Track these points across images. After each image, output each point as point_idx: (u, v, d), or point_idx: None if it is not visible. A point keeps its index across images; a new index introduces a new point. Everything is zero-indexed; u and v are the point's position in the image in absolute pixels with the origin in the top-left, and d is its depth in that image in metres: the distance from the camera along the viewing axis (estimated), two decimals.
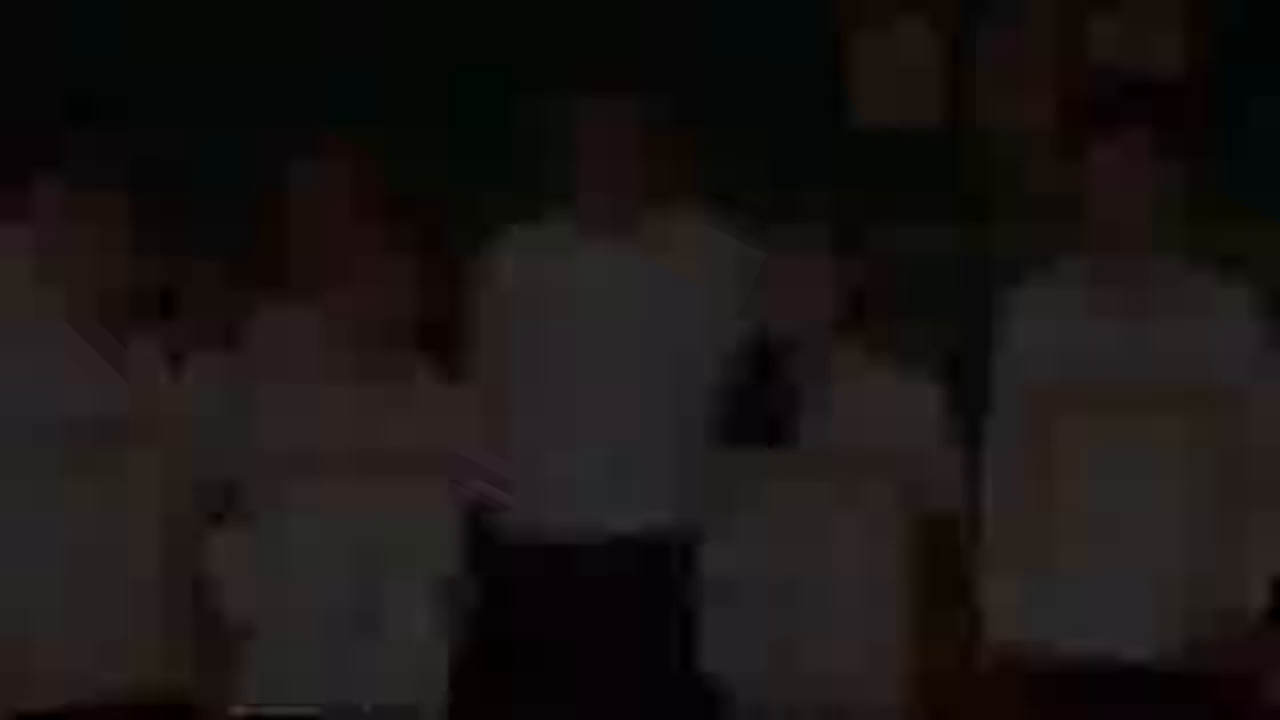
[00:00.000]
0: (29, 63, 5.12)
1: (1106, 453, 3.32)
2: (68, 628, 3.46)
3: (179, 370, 3.65)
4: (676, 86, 3.64)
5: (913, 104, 5.50)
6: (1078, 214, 3.48)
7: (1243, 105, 4.84)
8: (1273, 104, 4.95)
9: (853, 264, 3.53)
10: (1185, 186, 3.42)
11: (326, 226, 4.14)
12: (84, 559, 3.48)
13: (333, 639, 3.46)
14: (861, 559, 3.39)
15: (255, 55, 5.42)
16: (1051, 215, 5.29)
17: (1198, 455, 3.28)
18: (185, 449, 3.53)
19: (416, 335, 3.63)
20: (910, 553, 3.38)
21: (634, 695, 3.54)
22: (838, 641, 3.39)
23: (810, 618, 3.39)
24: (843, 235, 3.53)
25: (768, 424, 3.46)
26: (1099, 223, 3.42)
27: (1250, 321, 3.43)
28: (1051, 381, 3.37)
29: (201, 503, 3.59)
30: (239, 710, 3.50)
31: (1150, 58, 5.21)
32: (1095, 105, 3.54)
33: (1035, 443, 3.35)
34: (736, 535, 3.42)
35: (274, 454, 3.54)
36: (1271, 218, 5.24)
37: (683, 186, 3.73)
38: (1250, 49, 5.14)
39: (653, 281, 3.64)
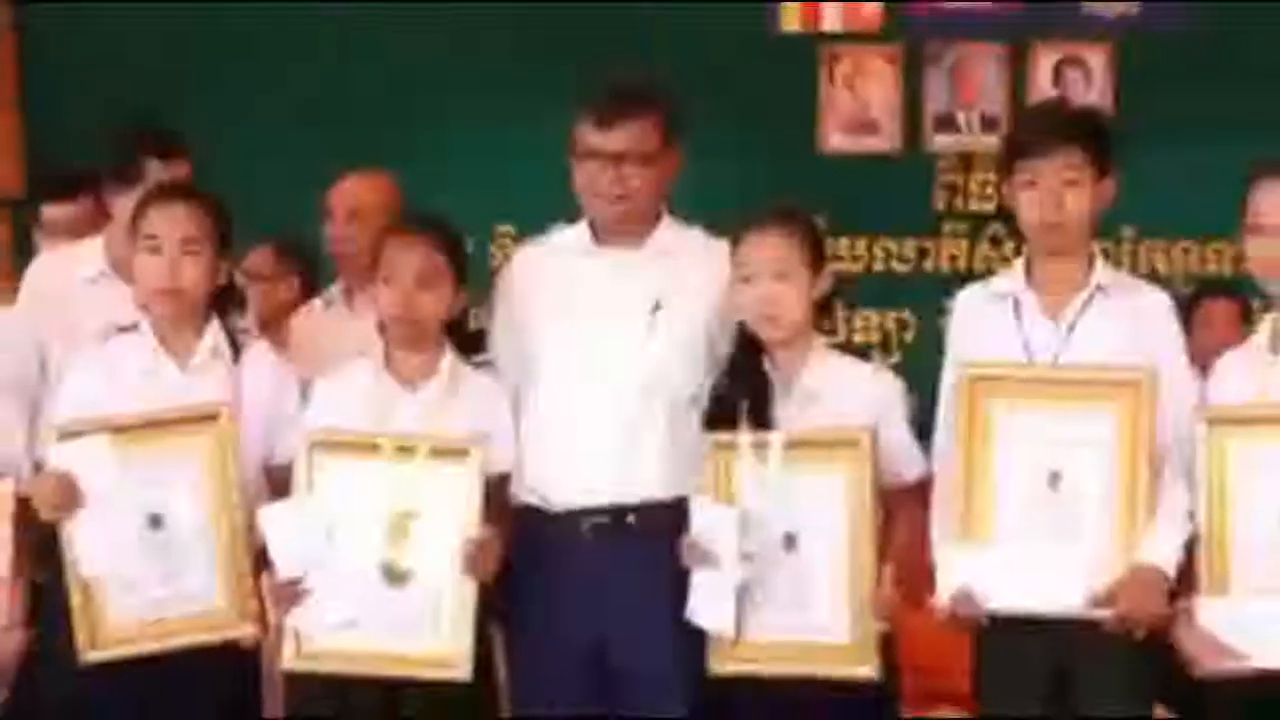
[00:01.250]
0: (106, 92, 5.13)
1: (1039, 431, 3.33)
2: (143, 579, 3.48)
3: (240, 359, 3.65)
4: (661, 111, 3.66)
5: (874, 127, 5.50)
6: (1013, 230, 3.50)
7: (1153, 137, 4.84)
8: (1188, 132, 4.97)
9: (820, 271, 3.53)
10: (1106, 202, 3.44)
11: (364, 238, 4.16)
12: (157, 525, 3.49)
13: (368, 593, 3.46)
14: (830, 526, 3.39)
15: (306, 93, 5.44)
16: (994, 235, 5.34)
17: (1121, 436, 3.27)
18: (242, 430, 3.53)
19: (442, 330, 3.63)
20: (872, 520, 3.38)
21: (632, 645, 3.54)
22: (809, 599, 3.40)
23: (786, 577, 3.41)
24: (812, 247, 3.54)
25: (751, 410, 3.47)
26: (1032, 232, 3.43)
27: (1168, 322, 3.46)
28: (990, 372, 3.38)
29: (258, 476, 3.60)
30: (287, 659, 3.49)
31: (1082, 91, 5.23)
32: (1031, 129, 3.57)
33: (976, 423, 3.36)
34: (721, 507, 3.42)
35: (318, 435, 3.54)
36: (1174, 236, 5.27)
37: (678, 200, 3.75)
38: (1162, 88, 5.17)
39: (658, 285, 3.62)
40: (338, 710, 3.49)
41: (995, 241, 5.28)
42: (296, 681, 3.57)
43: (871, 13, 5.43)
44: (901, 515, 3.48)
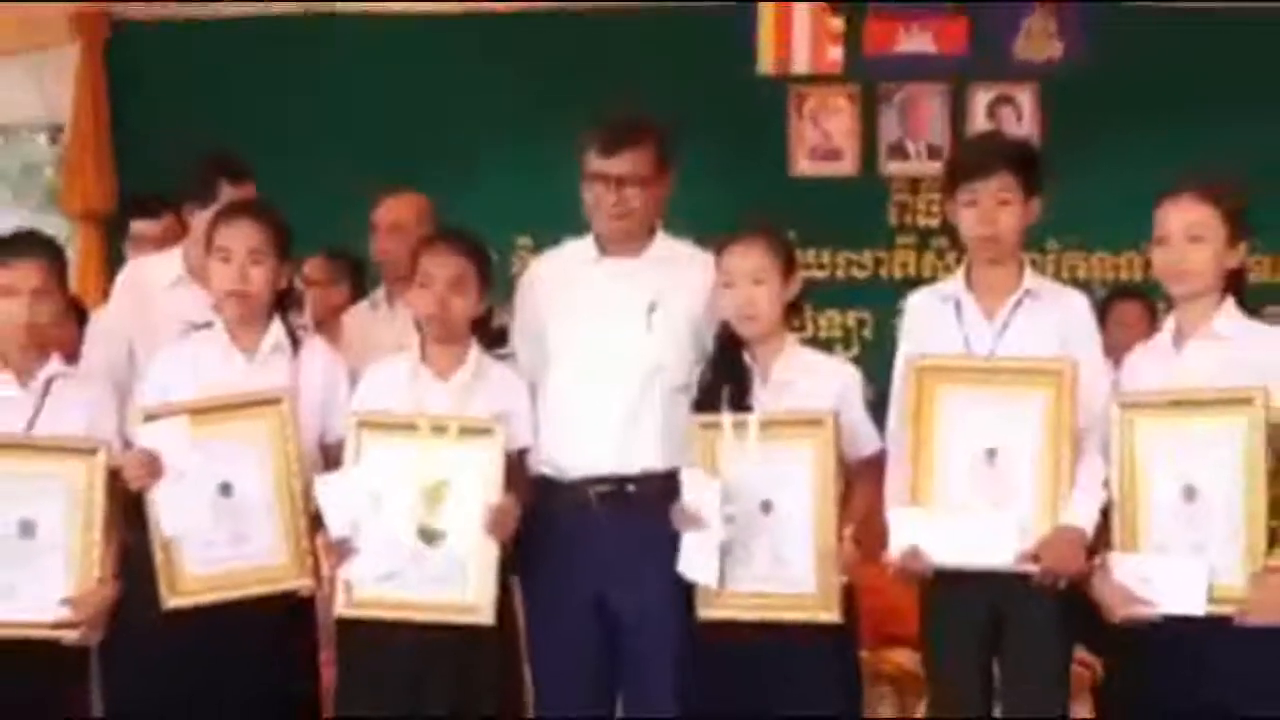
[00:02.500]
0: (186, 126, 5.13)
1: (977, 412, 3.33)
2: (216, 539, 3.48)
3: (299, 352, 3.64)
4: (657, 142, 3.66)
5: (837, 153, 5.50)
6: (955, 242, 3.49)
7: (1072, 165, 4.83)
8: (1104, 158, 4.96)
9: (791, 278, 3.52)
10: (1034, 218, 3.43)
11: (403, 249, 4.15)
12: (228, 492, 3.49)
13: (407, 551, 3.45)
14: (800, 493, 3.39)
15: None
16: (940, 247, 5.33)
17: (1046, 418, 3.28)
18: (299, 412, 3.51)
19: (470, 328, 3.61)
20: (835, 488, 3.38)
21: (632, 595, 3.53)
22: (782, 556, 3.39)
23: (763, 537, 3.41)
24: (783, 255, 3.52)
25: (732, 395, 3.46)
26: (972, 244, 3.43)
27: (1086, 321, 3.44)
28: (935, 363, 3.37)
29: (314, 451, 3.59)
30: (340, 606, 3.50)
31: (1014, 124, 5.23)
32: (971, 157, 3.56)
33: (923, 406, 3.34)
34: (706, 477, 3.41)
35: (364, 416, 3.52)
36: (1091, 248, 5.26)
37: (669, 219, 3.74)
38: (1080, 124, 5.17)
39: (653, 289, 3.61)
40: (380, 664, 3.49)
41: (940, 252, 5.28)
42: (343, 635, 3.58)
43: (833, 58, 5.43)
44: (860, 485, 3.47)
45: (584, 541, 3.54)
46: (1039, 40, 5.37)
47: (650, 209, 3.65)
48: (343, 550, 3.47)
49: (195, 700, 3.48)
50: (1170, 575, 3.17)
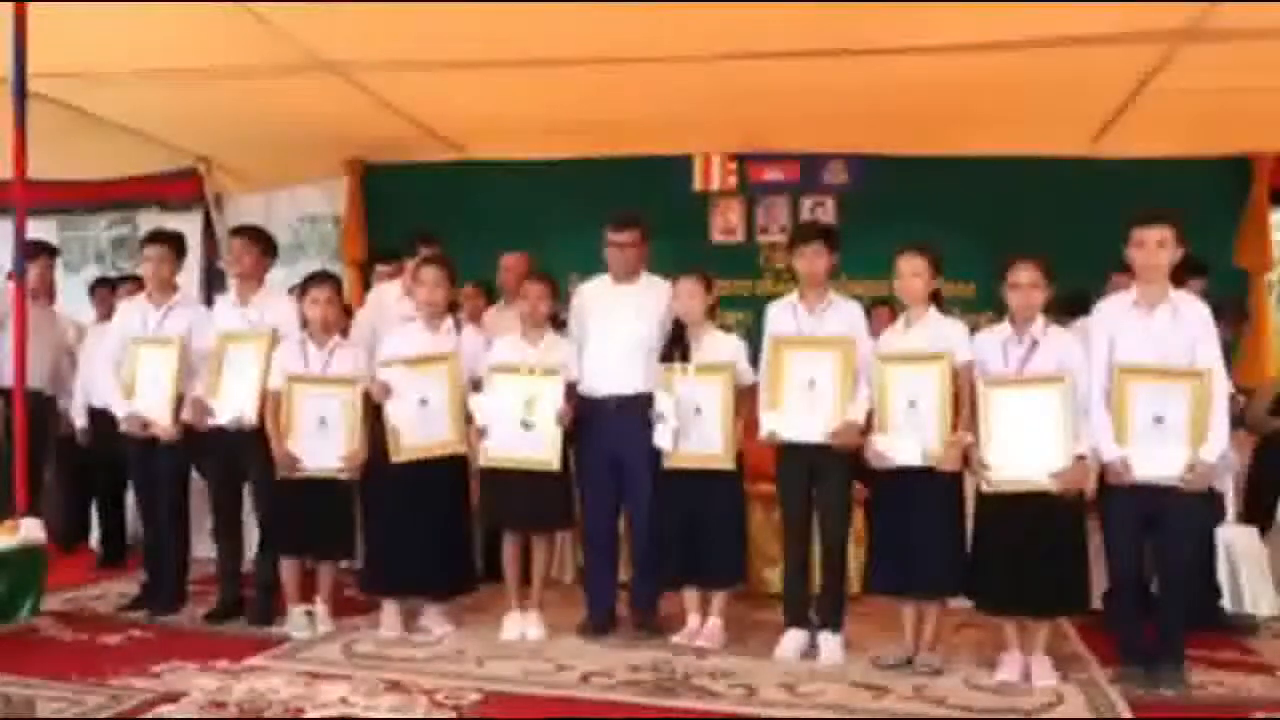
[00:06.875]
0: (403, 215, 5.07)
1: (804, 362, 3.30)
2: (418, 427, 3.46)
3: (460, 332, 3.61)
4: (643, 226, 3.63)
5: (733, 231, 5.47)
6: (794, 277, 3.47)
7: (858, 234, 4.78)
8: (870, 233, 4.93)
9: (711, 294, 3.51)
10: (833, 264, 3.41)
11: (515, 281, 4.12)
12: (425, 403, 3.46)
13: (515, 433, 3.44)
14: (716, 404, 3.38)
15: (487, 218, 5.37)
16: (786, 279, 5.31)
17: (839, 364, 3.26)
18: (461, 362, 3.50)
19: (547, 320, 3.58)
20: (733, 400, 3.37)
21: (631, 455, 3.48)
22: (705, 435, 3.38)
23: (696, 426, 3.39)
24: (706, 283, 3.50)
25: (680, 354, 3.45)
26: (802, 279, 3.40)
27: (860, 317, 3.40)
28: (783, 339, 3.34)
29: (469, 381, 3.55)
30: (481, 461, 3.49)
31: (823, 216, 5.21)
32: (801, 234, 3.52)
33: (776, 360, 3.33)
34: (667, 395, 3.39)
35: (494, 364, 3.51)
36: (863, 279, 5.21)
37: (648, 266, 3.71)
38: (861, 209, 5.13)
39: (641, 300, 3.57)
40: (502, 490, 3.47)
41: (786, 282, 5.21)
42: (483, 476, 3.54)
43: (732, 182, 5.40)
44: (745, 399, 3.44)
45: (605, 427, 3.52)
46: (836, 174, 5.35)
47: (640, 261, 3.62)
48: (482, 433, 3.46)
49: (408, 508, 3.47)
50: (902, 445, 3.17)
